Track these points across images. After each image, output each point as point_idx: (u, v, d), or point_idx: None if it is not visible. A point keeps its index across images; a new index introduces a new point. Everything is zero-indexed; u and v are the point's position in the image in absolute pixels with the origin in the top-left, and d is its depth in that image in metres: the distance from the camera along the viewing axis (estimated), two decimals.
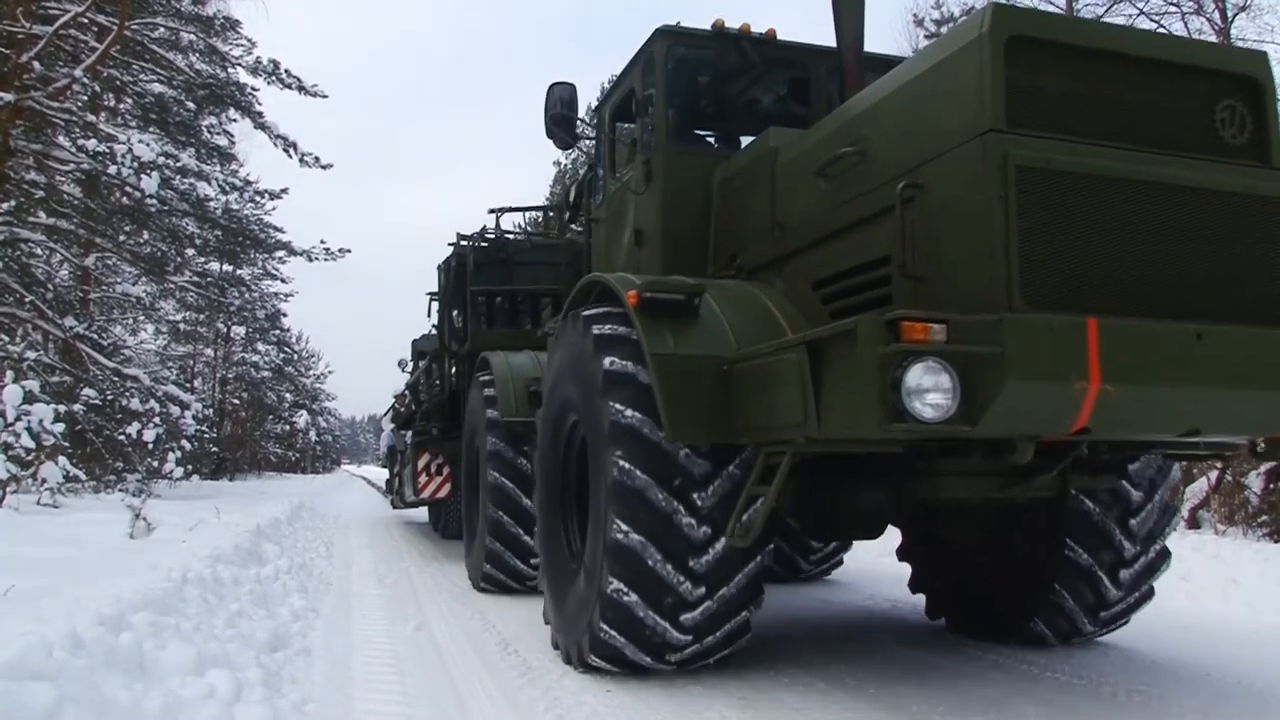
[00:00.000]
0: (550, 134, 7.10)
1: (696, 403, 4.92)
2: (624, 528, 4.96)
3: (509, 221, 12.90)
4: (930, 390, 3.79)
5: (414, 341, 18.20)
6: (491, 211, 12.72)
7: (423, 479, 13.62)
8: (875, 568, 10.39)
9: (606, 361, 5.22)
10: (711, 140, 7.73)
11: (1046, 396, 3.86)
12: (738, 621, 5.18)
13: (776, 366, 4.59)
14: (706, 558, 4.95)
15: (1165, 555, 6.19)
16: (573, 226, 10.92)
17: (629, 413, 5.05)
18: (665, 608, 4.99)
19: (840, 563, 10.11)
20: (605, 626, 5.13)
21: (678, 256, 6.50)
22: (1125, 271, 4.11)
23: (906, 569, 7.43)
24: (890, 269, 4.56)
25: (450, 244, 13.07)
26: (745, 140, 7.31)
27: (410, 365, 18.68)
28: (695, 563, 4.95)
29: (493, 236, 12.44)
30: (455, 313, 13.13)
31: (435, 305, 15.19)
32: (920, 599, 7.36)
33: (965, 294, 4.10)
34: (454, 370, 13.01)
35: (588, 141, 8.94)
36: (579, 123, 7.29)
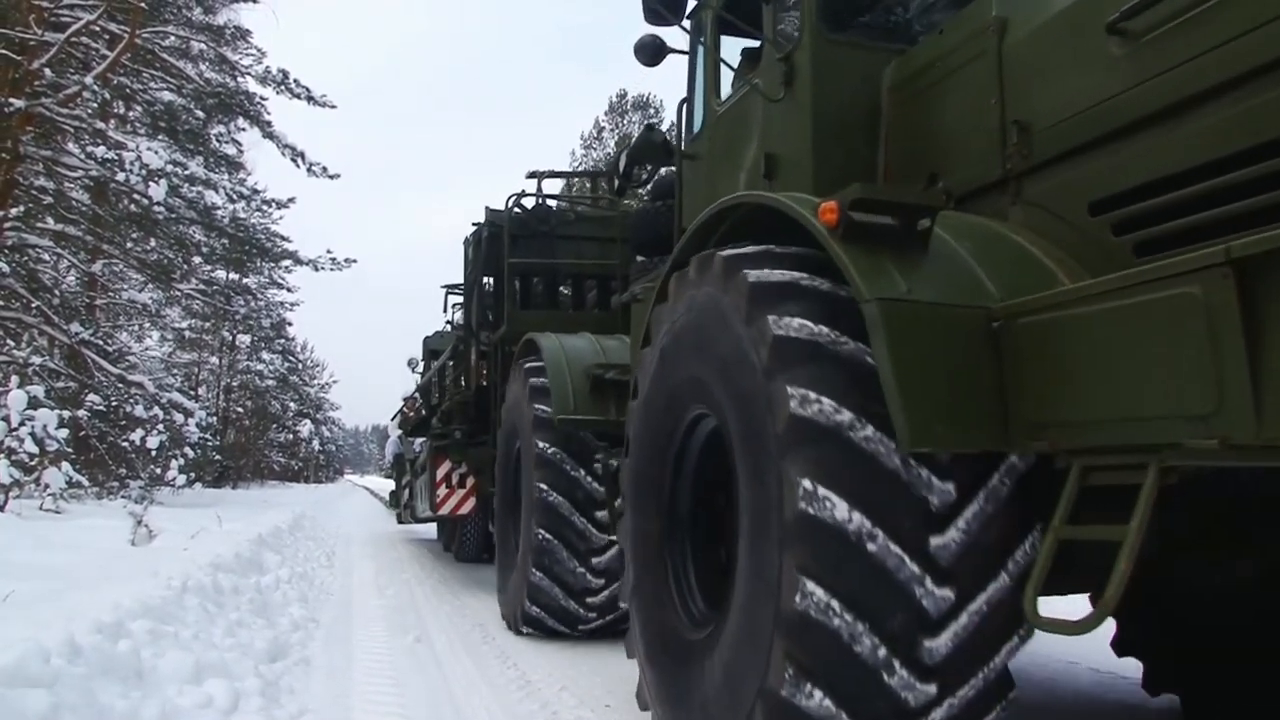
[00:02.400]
0: (651, 13, 5.31)
1: (953, 383, 3.05)
2: (830, 602, 3.02)
3: (543, 193, 10.51)
4: None
5: (426, 339, 16.69)
6: (531, 176, 10.59)
7: (442, 491, 11.54)
8: None
9: (774, 324, 3.34)
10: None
11: None
12: None
13: (1149, 312, 2.60)
14: (946, 641, 3.07)
15: None
16: (626, 201, 9.94)
17: (823, 404, 3.13)
18: None
19: None
20: None
21: (834, 186, 4.09)
22: None
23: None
24: None
25: (475, 224, 10.95)
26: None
27: (421, 365, 17.10)
28: (932, 647, 3.04)
29: (533, 204, 10.15)
30: (486, 293, 10.78)
31: (451, 299, 14.00)
32: (1128, 665, 5.01)
33: None
34: (482, 362, 10.76)
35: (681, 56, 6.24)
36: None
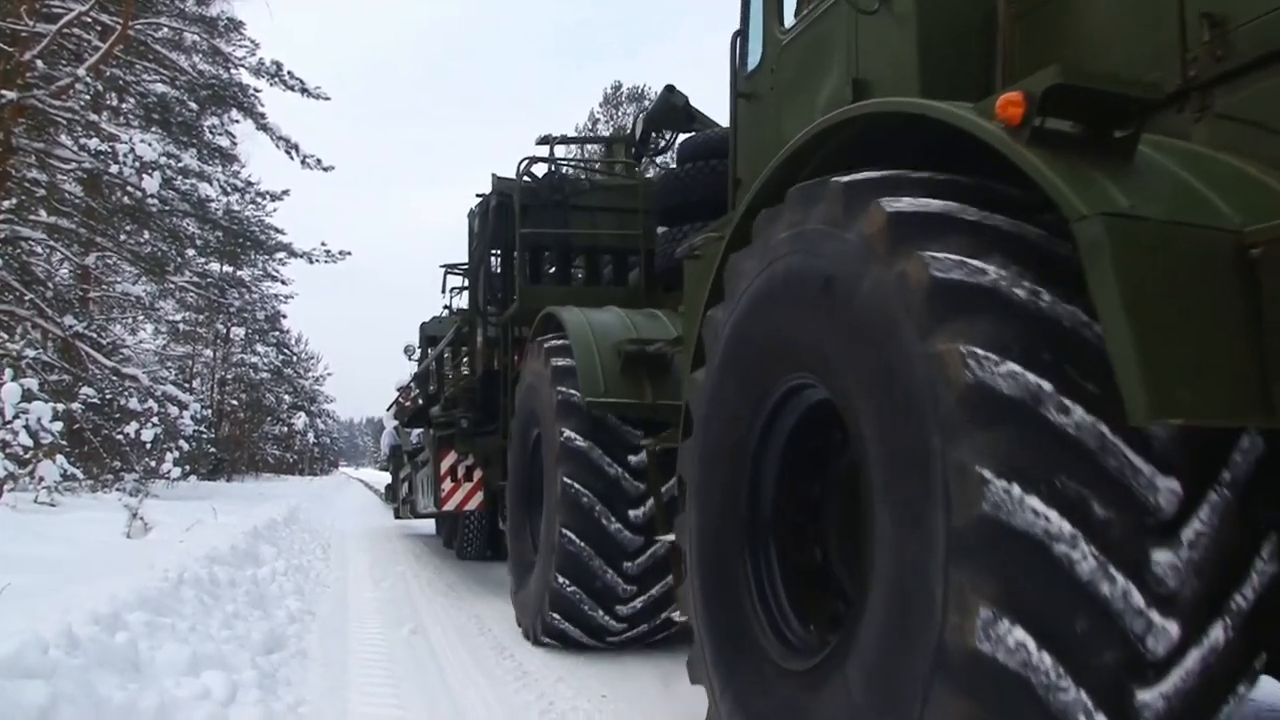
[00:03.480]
0: None
1: (1200, 331, 2.26)
2: (1022, 639, 2.22)
3: (556, 159, 9.54)
4: None
5: (423, 325, 15.68)
6: (542, 142, 9.76)
7: (446, 485, 10.62)
8: None
9: (931, 264, 2.52)
10: None
11: None
12: None
13: None
14: (1167, 691, 2.29)
15: None
16: (646, 168, 9.05)
17: (1006, 370, 2.33)
18: None
19: None
20: None
21: None
22: None
23: None
24: None
25: (479, 195, 9.83)
26: None
27: (418, 353, 16.19)
28: (1147, 701, 2.26)
29: (545, 173, 9.16)
30: (493, 269, 9.80)
31: (450, 280, 13.22)
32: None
33: None
34: (490, 343, 9.77)
35: None
36: None
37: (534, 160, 8.99)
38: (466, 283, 12.12)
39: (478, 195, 9.83)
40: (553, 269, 9.19)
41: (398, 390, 17.88)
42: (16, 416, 12.98)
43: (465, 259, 11.36)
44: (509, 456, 8.03)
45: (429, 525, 17.42)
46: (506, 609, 8.25)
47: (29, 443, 13.21)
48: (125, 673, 4.15)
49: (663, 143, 9.21)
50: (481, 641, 6.90)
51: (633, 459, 6.20)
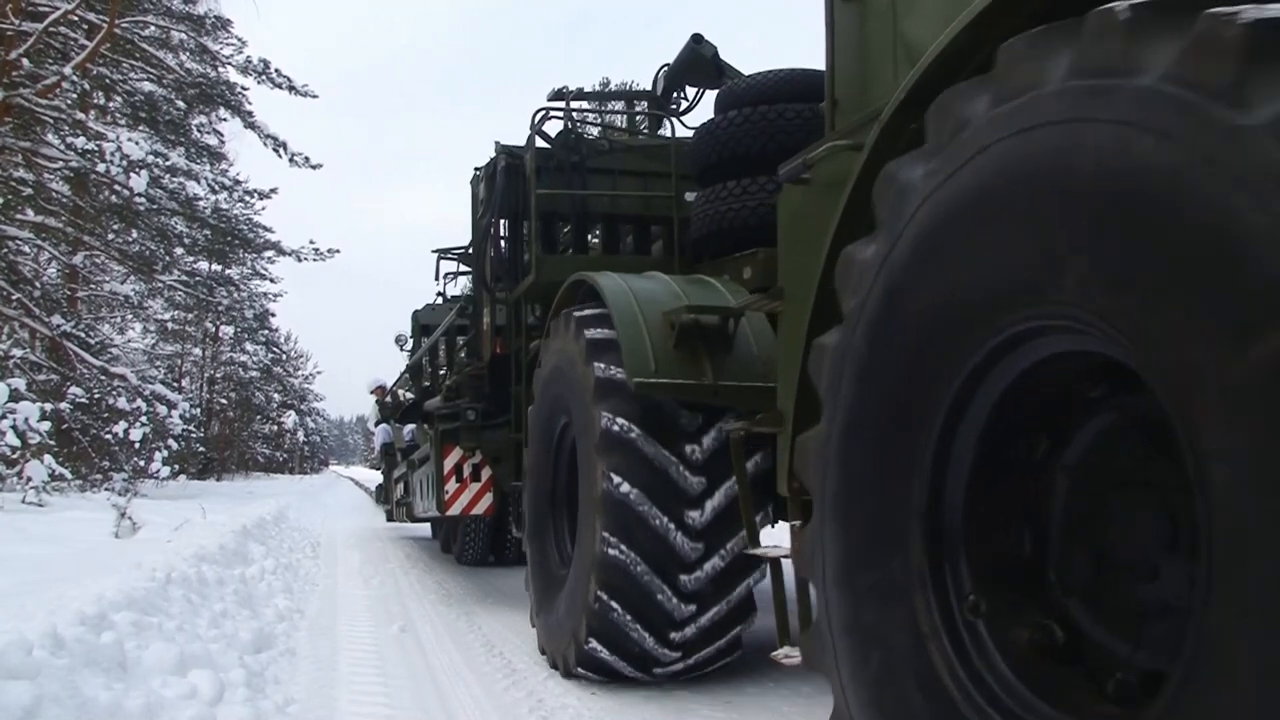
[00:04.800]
0: None
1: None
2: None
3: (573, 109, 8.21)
4: None
5: (415, 313, 14.46)
6: (556, 96, 8.55)
7: (451, 486, 9.23)
8: None
9: None
10: None
11: None
12: None
13: None
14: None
15: None
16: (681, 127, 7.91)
17: None
18: None
19: None
20: None
21: None
22: None
23: None
24: None
25: (476, 170, 8.92)
26: None
27: (410, 343, 14.95)
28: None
29: (558, 131, 7.83)
30: (501, 240, 8.43)
31: (444, 266, 12.18)
32: None
33: None
34: (497, 323, 8.62)
35: None
36: None
37: (548, 115, 7.77)
38: (463, 266, 11.43)
39: (476, 169, 8.93)
40: (567, 240, 8.05)
41: (372, 391, 16.63)
42: (4, 416, 12.96)
43: (459, 244, 10.71)
44: (527, 452, 6.87)
45: (423, 526, 16.59)
46: (496, 608, 8.26)
47: (17, 443, 13.20)
48: (111, 672, 4.12)
49: (685, 102, 8.13)
50: (472, 639, 6.89)
51: (690, 449, 5.03)
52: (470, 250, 9.51)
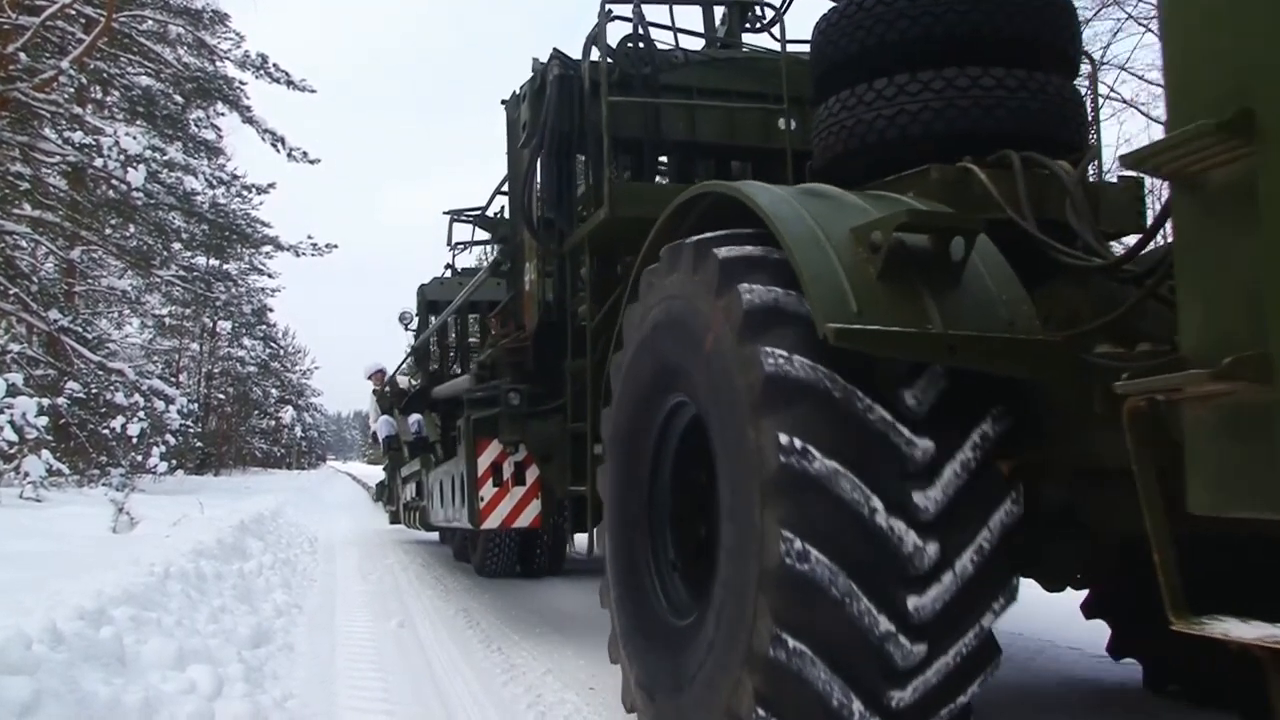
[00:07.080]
0: None
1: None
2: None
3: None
4: None
5: (422, 288, 12.66)
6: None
7: (488, 491, 7.14)
8: None
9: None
10: None
11: None
12: None
13: None
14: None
15: None
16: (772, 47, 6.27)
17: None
18: None
19: None
20: None
21: None
22: None
23: None
24: None
25: (517, 91, 7.17)
26: None
27: (416, 321, 13.25)
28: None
29: (620, 40, 6.04)
30: (549, 173, 6.26)
31: (456, 229, 10.54)
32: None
33: None
34: (541, 277, 6.85)
35: None
36: None
37: (611, 15, 5.99)
38: (480, 233, 9.76)
39: (515, 91, 7.22)
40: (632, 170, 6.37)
41: (370, 376, 14.71)
42: (1, 411, 12.93)
43: (474, 205, 9.22)
44: (609, 443, 4.68)
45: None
46: (495, 602, 8.25)
47: (14, 438, 13.18)
48: (110, 667, 4.12)
49: (770, 12, 6.66)
50: (470, 635, 6.89)
51: (910, 399, 3.09)
52: (506, 192, 7.87)
